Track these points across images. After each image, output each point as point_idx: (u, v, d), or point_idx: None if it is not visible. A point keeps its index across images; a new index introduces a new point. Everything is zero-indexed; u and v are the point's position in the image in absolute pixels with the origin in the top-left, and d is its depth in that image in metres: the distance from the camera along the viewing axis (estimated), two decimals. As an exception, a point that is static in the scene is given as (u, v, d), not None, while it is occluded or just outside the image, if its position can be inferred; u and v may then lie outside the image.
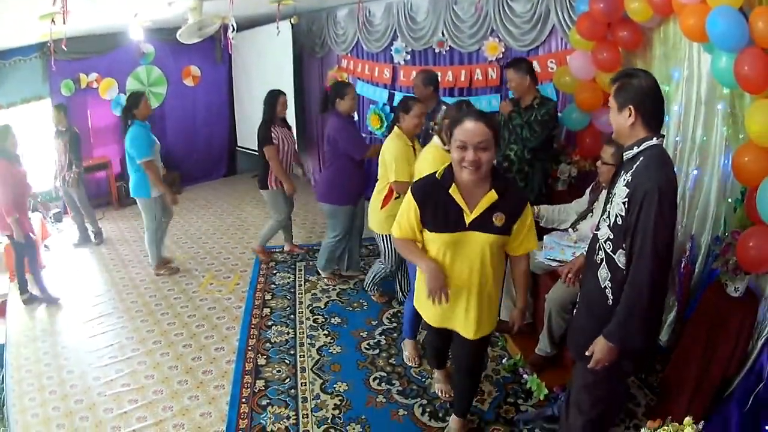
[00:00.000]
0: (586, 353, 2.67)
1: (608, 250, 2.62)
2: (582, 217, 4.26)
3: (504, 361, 4.51)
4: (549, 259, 4.07)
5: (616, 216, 2.56)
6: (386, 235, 4.89)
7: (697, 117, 4.23)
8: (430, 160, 3.89)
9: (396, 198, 4.66)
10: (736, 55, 3.27)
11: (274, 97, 6.07)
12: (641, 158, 2.52)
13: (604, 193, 4.02)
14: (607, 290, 2.64)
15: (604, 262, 2.66)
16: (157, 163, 6.09)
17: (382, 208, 4.79)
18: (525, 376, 4.24)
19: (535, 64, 5.87)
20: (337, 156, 5.50)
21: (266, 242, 6.70)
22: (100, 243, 7.38)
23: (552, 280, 4.25)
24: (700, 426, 2.48)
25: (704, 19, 3.37)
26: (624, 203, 2.51)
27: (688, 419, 2.49)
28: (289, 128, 6.39)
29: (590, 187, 4.40)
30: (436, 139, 4.07)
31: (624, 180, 2.56)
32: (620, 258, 2.56)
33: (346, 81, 6.06)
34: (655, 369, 4.26)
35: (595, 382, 2.82)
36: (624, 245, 2.52)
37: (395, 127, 4.75)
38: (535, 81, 5.15)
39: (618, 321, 2.53)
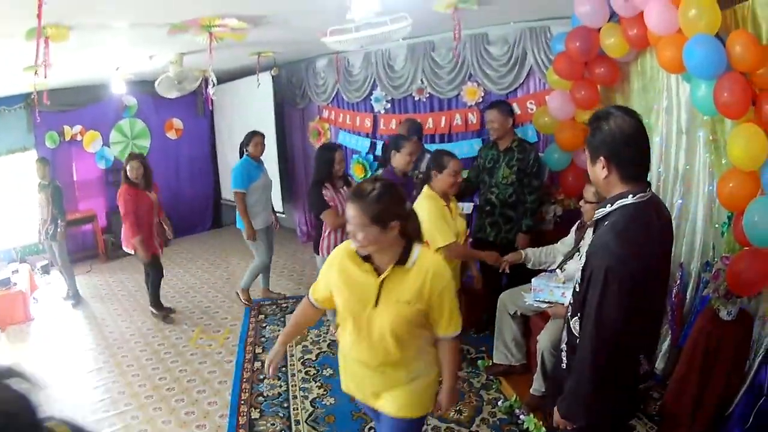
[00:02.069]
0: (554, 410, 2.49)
1: (568, 314, 2.38)
2: (569, 257, 4.22)
3: (499, 403, 4.41)
4: (539, 300, 4.06)
5: (577, 281, 2.30)
6: None
7: (678, 146, 4.28)
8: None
9: None
10: (715, 82, 3.31)
11: (332, 152, 5.16)
12: (606, 223, 2.19)
13: (589, 232, 4.02)
14: (563, 353, 2.42)
15: (566, 324, 2.40)
16: (254, 197, 6.37)
17: None
18: (522, 416, 4.16)
19: (514, 105, 5.93)
20: None
21: None
22: (76, 304, 7.19)
23: (543, 321, 4.19)
24: None
25: (681, 50, 3.43)
26: (581, 271, 2.25)
27: None
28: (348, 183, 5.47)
29: (575, 226, 4.40)
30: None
31: (587, 245, 2.30)
32: (575, 325, 2.29)
33: (404, 135, 5.46)
34: (653, 398, 4.20)
35: None
36: (578, 314, 2.26)
37: (425, 187, 4.25)
38: (514, 122, 5.20)
39: (564, 394, 2.33)
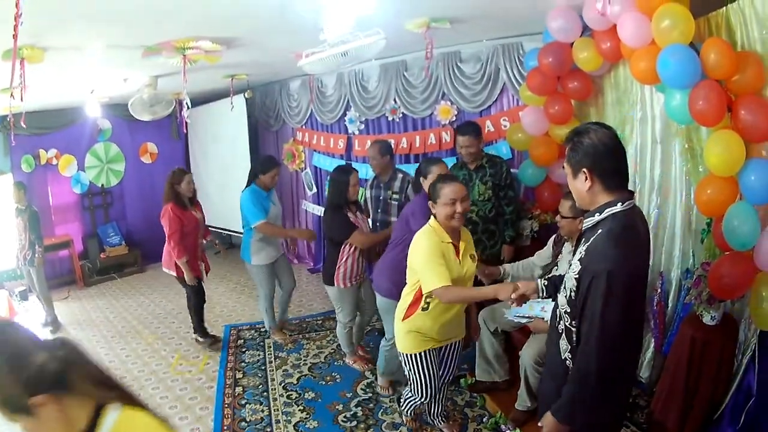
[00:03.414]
0: (538, 424, 2.51)
1: (567, 323, 2.40)
2: (547, 271, 4.23)
3: (485, 420, 4.39)
4: (518, 316, 4.00)
5: (571, 290, 2.33)
6: (411, 355, 3.71)
7: (654, 156, 4.31)
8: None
9: (424, 309, 3.51)
10: (690, 90, 3.33)
11: (347, 174, 4.85)
12: (600, 229, 2.24)
13: (566, 245, 4.06)
14: (567, 361, 2.42)
15: (564, 333, 2.43)
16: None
17: (404, 319, 3.66)
18: (507, 431, 4.14)
19: (488, 123, 6.01)
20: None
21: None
22: (55, 331, 7.01)
23: (524, 337, 4.21)
24: None
25: (655, 61, 3.45)
26: (576, 278, 2.28)
27: None
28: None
29: (552, 240, 4.39)
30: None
31: (580, 252, 2.32)
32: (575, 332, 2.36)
33: (435, 158, 5.33)
34: (640, 406, 4.21)
35: None
36: (575, 322, 2.32)
37: (431, 218, 3.59)
38: (481, 141, 5.27)
39: (564, 400, 2.33)
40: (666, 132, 4.14)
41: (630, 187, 4.26)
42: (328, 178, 5.14)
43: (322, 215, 6.25)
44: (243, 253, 5.92)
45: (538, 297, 2.98)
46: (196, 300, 6.13)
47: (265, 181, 5.64)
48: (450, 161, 6.33)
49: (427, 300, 3.46)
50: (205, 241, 6.40)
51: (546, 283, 2.90)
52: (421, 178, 4.22)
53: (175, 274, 5.91)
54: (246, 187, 5.70)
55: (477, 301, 3.96)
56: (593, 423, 2.33)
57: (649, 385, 4.26)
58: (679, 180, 4.09)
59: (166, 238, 5.76)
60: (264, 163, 5.79)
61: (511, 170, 5.34)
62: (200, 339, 6.24)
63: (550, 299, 3.51)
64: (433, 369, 3.69)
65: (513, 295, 2.95)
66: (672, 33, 3.30)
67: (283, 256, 6.16)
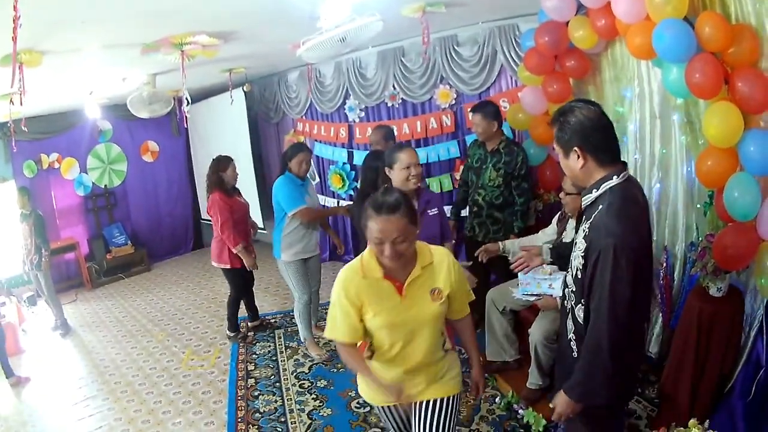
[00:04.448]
0: (549, 405, 2.51)
1: (572, 302, 2.42)
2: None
3: (497, 400, 4.40)
4: (527, 294, 3.95)
5: (576, 269, 2.35)
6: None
7: (653, 131, 4.31)
8: None
9: (368, 358, 2.74)
10: (686, 64, 3.33)
11: (377, 170, 4.27)
12: (600, 206, 2.25)
13: (571, 222, 4.05)
14: (572, 342, 2.44)
15: (570, 313, 2.46)
16: (294, 223, 5.28)
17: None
18: (520, 411, 4.15)
19: None
20: None
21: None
22: (65, 334, 7.05)
23: (533, 315, 4.20)
24: (706, 425, 2.43)
25: (650, 36, 3.44)
26: (582, 257, 2.28)
27: (693, 421, 2.44)
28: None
29: (557, 217, 4.39)
30: None
31: (583, 230, 2.32)
32: (579, 312, 2.36)
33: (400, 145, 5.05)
34: (650, 380, 4.22)
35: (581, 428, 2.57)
36: (582, 300, 2.32)
37: None
38: (500, 124, 5.13)
39: (578, 378, 2.33)
40: (665, 106, 4.13)
41: (631, 163, 4.34)
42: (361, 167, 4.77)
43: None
44: (274, 250, 5.40)
45: (544, 262, 3.03)
46: (240, 293, 6.10)
47: (293, 167, 5.19)
48: (451, 145, 6.37)
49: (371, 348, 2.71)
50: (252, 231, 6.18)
51: (551, 247, 2.97)
52: (387, 169, 3.79)
53: (229, 266, 5.77)
54: (279, 175, 5.28)
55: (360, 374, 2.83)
56: (606, 398, 2.32)
57: (658, 360, 4.27)
58: (680, 154, 4.08)
59: (219, 228, 5.62)
60: (291, 148, 5.37)
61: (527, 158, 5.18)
62: (230, 334, 6.19)
63: (558, 276, 3.55)
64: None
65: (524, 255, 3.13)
66: (666, 8, 3.28)
67: (318, 256, 5.64)
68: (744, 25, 3.17)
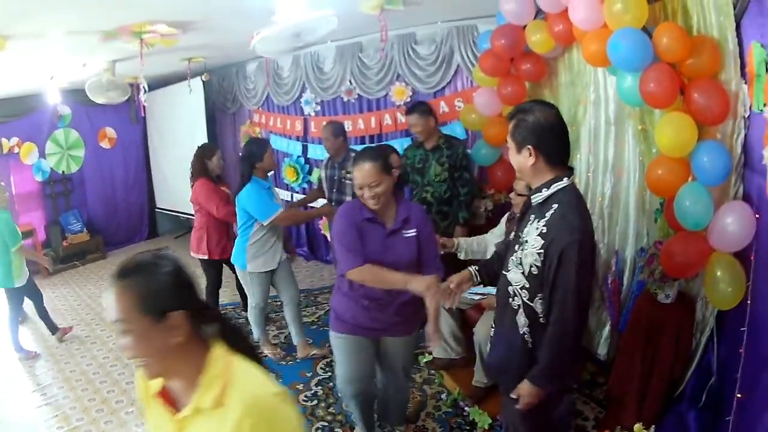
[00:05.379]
0: (512, 395, 2.47)
1: (525, 298, 2.40)
2: (503, 246, 4.11)
3: (443, 396, 4.38)
4: (472, 293, 3.98)
5: (531, 266, 2.34)
6: None
7: (607, 137, 4.28)
8: None
9: None
10: (641, 73, 3.27)
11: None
12: (555, 205, 2.29)
13: (502, 224, 4.12)
14: (526, 336, 2.43)
15: (521, 309, 2.43)
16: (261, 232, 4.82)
17: None
18: (466, 408, 4.13)
19: (442, 104, 5.96)
20: None
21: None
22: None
23: (478, 313, 4.18)
24: (652, 430, 2.46)
25: (605, 44, 3.38)
26: (539, 254, 2.30)
27: (638, 426, 2.47)
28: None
29: (506, 217, 4.33)
30: None
31: (537, 229, 2.33)
32: (538, 305, 2.37)
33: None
34: (599, 383, 4.24)
35: (530, 412, 2.56)
36: (541, 294, 2.35)
37: None
38: (436, 121, 5.16)
39: (544, 366, 2.35)
40: (619, 114, 4.11)
41: (584, 167, 4.31)
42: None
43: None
44: (236, 257, 4.93)
45: (473, 284, 2.98)
46: (216, 286, 5.69)
47: (265, 165, 4.67)
48: (405, 141, 6.28)
49: None
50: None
51: (478, 269, 2.95)
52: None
53: (207, 257, 5.47)
54: (242, 184, 4.66)
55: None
56: (570, 379, 2.53)
57: (607, 363, 4.27)
58: (633, 161, 4.07)
59: (215, 213, 5.27)
60: (257, 145, 4.77)
61: (467, 149, 5.29)
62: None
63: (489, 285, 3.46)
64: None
65: (452, 286, 2.92)
66: (624, 17, 3.23)
67: (286, 261, 5.09)
68: (705, 37, 3.12)
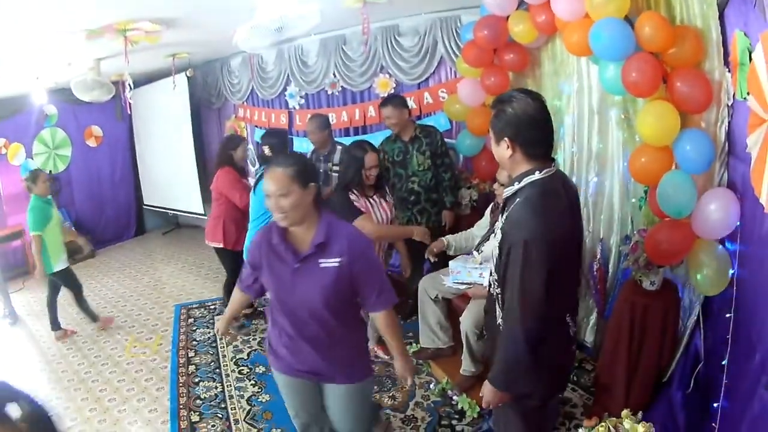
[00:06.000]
0: (480, 394, 2.45)
1: (497, 290, 2.35)
2: (485, 238, 4.13)
3: (431, 386, 4.37)
4: (457, 282, 3.93)
5: (496, 258, 2.31)
6: None
7: (591, 126, 4.26)
8: None
9: None
10: (623, 63, 3.25)
11: (362, 151, 3.88)
12: (518, 200, 2.21)
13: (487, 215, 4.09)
14: (500, 326, 2.36)
15: (498, 299, 2.37)
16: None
17: None
18: (455, 397, 4.11)
19: (426, 95, 5.94)
20: None
21: None
22: (14, 323, 6.67)
23: (464, 303, 4.13)
24: (639, 416, 2.43)
25: (587, 34, 3.36)
26: (498, 247, 2.27)
27: (625, 412, 2.44)
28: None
29: (490, 208, 4.33)
30: None
31: (501, 222, 2.29)
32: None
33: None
34: (586, 369, 4.24)
35: (510, 414, 2.50)
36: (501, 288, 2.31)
37: None
38: (410, 112, 5.18)
39: (499, 367, 2.30)
40: (603, 103, 4.09)
41: (568, 156, 4.30)
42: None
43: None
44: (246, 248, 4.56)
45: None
46: (235, 276, 5.52)
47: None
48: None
49: None
50: None
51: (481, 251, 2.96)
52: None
53: (221, 245, 5.39)
54: (254, 185, 4.74)
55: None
56: (531, 387, 2.34)
57: (594, 349, 4.29)
58: (617, 149, 4.06)
59: (237, 200, 5.23)
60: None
61: (446, 140, 5.29)
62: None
63: (488, 265, 3.47)
64: None
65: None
66: (607, 7, 3.21)
67: None
68: (687, 27, 3.11)
